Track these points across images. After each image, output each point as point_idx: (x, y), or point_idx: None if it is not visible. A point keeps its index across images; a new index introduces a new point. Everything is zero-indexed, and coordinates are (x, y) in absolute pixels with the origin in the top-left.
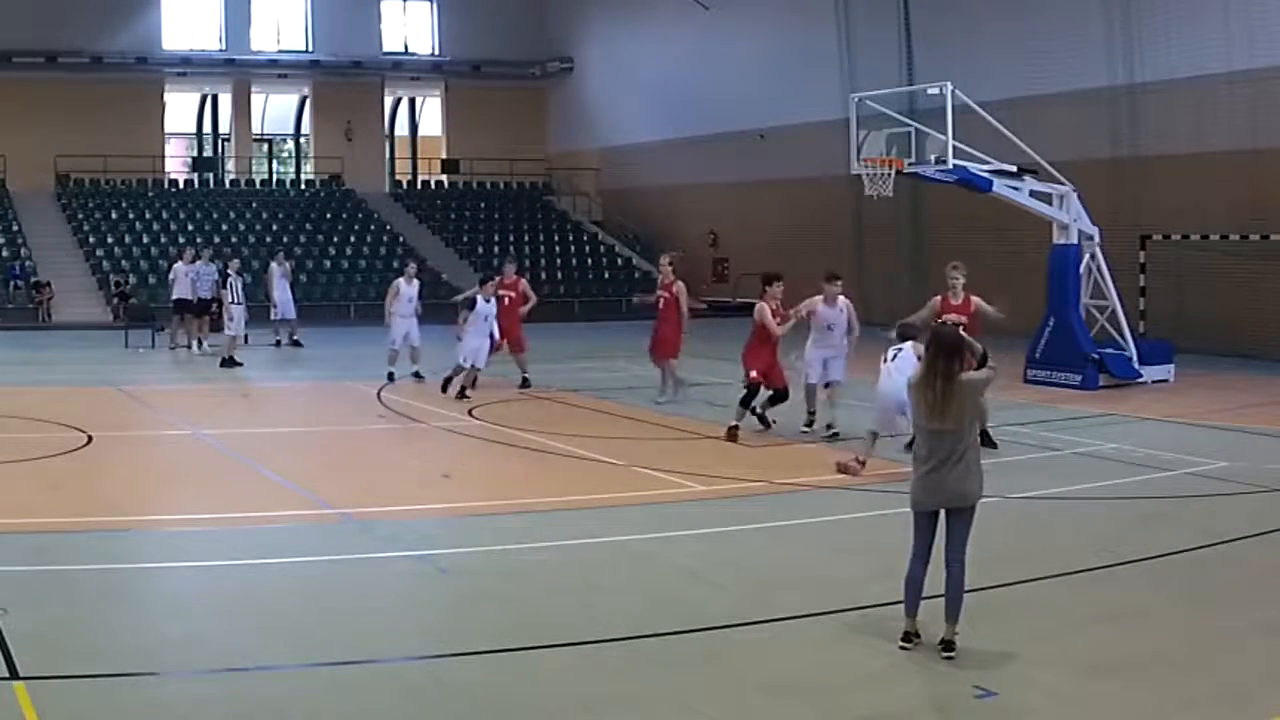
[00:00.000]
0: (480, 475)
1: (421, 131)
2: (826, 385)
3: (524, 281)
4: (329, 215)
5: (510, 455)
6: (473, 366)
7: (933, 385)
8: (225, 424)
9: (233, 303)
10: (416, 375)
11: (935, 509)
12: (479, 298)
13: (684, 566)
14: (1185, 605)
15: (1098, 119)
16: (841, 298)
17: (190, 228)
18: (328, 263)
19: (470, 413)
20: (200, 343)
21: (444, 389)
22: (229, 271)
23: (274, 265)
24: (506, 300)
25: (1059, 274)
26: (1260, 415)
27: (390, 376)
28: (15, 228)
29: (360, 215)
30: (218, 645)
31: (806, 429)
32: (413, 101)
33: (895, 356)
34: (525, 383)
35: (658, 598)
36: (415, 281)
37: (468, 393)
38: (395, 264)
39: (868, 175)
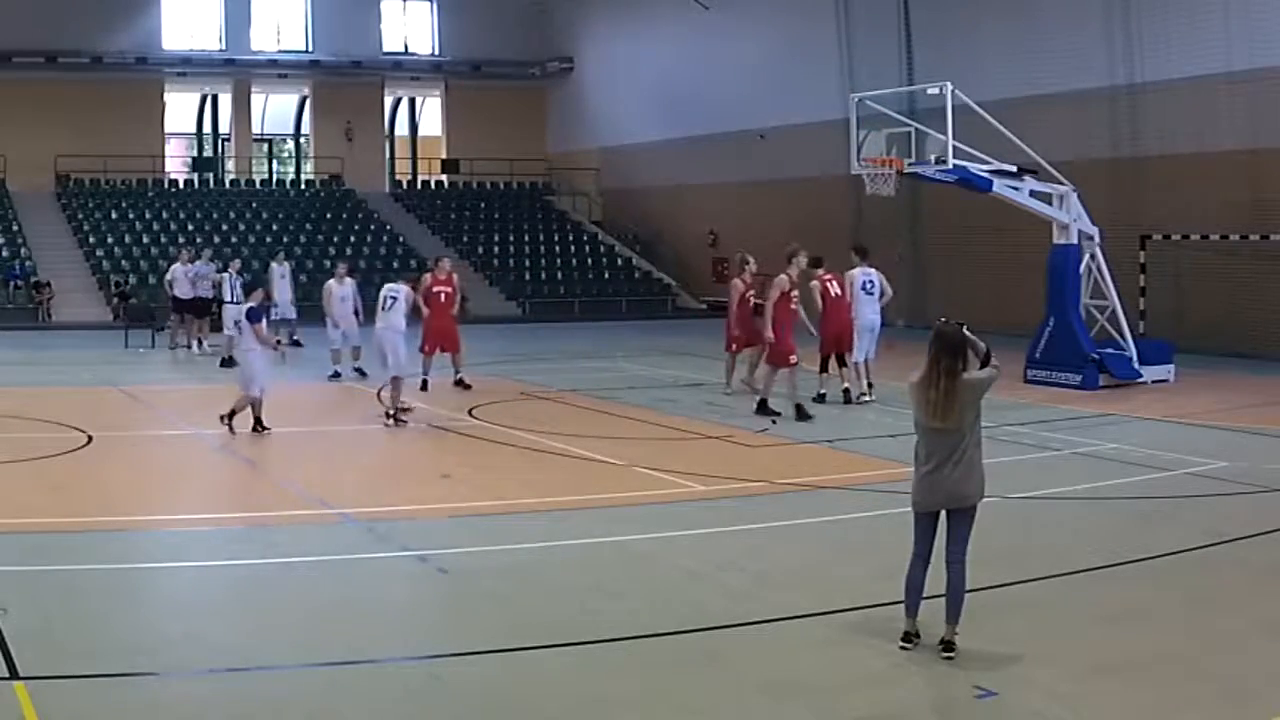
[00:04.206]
0: (480, 475)
1: (421, 131)
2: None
3: (456, 277)
4: (329, 215)
5: (510, 455)
6: (260, 392)
7: (935, 384)
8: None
9: (230, 302)
10: (360, 371)
11: (935, 510)
12: (254, 304)
13: (684, 566)
14: (1185, 605)
15: (1098, 119)
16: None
17: (190, 228)
18: (328, 263)
19: (470, 413)
20: (200, 343)
21: (226, 420)
22: (228, 271)
23: (274, 265)
24: (442, 296)
25: (1059, 274)
26: (1260, 415)
27: (336, 375)
28: (15, 228)
29: (360, 215)
30: (218, 645)
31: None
32: (413, 101)
33: (390, 304)
34: (461, 383)
35: (658, 598)
36: (348, 281)
37: (235, 425)
38: (395, 264)
39: (868, 175)
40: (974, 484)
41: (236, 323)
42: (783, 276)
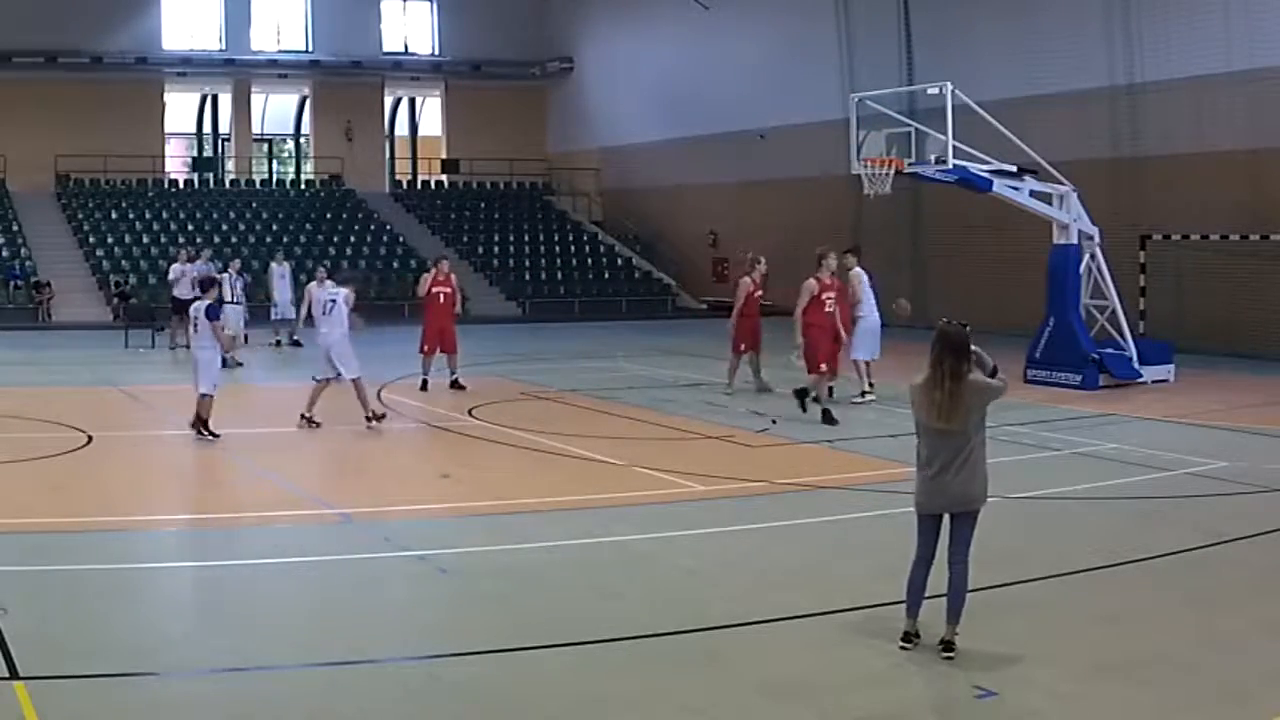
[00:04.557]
0: (480, 475)
1: (421, 131)
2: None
3: (455, 277)
4: (329, 215)
5: (510, 455)
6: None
7: (941, 385)
8: (225, 424)
9: (231, 303)
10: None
11: (939, 512)
12: (210, 302)
13: (684, 566)
14: (1185, 605)
15: (1098, 119)
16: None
17: (190, 228)
18: (328, 263)
19: (470, 413)
20: None
21: (199, 429)
22: (229, 271)
23: (274, 265)
24: (441, 297)
25: (1059, 274)
26: (1260, 415)
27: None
28: (15, 228)
29: (360, 215)
30: (218, 645)
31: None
32: (413, 101)
33: (330, 308)
34: (456, 384)
35: (658, 598)
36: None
37: (210, 430)
38: (395, 264)
39: (866, 175)
40: (978, 486)
41: (195, 320)
42: (811, 281)
